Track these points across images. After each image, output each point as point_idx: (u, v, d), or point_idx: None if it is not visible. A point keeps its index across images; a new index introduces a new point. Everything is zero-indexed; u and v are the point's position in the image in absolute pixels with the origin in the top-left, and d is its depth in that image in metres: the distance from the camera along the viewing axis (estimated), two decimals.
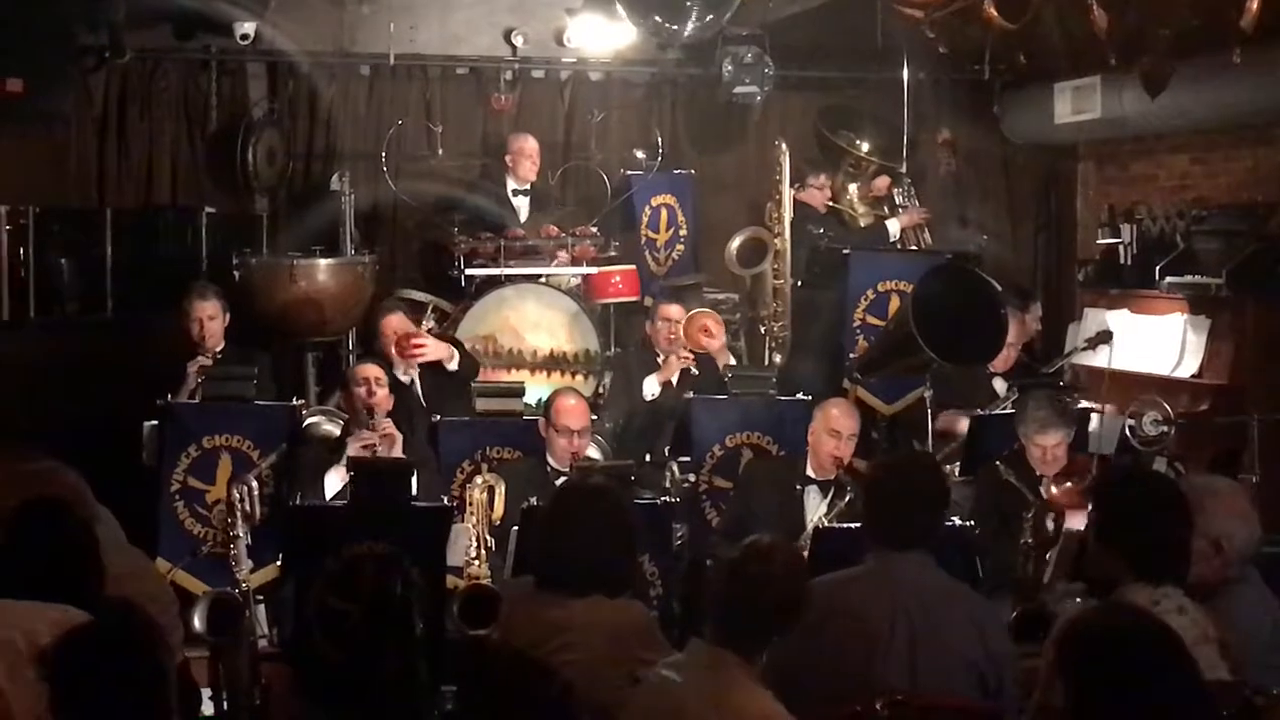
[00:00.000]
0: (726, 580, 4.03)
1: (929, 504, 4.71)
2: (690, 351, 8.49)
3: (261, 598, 6.48)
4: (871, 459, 7.10)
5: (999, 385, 8.50)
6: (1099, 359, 9.56)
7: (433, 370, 8.15)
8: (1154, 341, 9.33)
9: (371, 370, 7.29)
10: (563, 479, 6.74)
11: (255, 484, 6.88)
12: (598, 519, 4.64)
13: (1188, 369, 9.08)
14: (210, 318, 8.15)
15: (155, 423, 7.54)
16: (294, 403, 7.72)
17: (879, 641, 4.39)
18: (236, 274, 9.05)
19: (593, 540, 4.60)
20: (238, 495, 6.69)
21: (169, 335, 8.33)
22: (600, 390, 9.13)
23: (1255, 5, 5.47)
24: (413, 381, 8.09)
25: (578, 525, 4.63)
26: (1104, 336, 9.51)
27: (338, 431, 7.90)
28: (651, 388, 8.45)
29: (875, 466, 5.32)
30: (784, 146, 9.92)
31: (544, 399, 8.38)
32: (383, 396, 7.23)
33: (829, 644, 4.34)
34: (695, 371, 8.48)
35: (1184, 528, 4.34)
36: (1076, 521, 6.21)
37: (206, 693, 4.92)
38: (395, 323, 8.25)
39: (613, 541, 4.65)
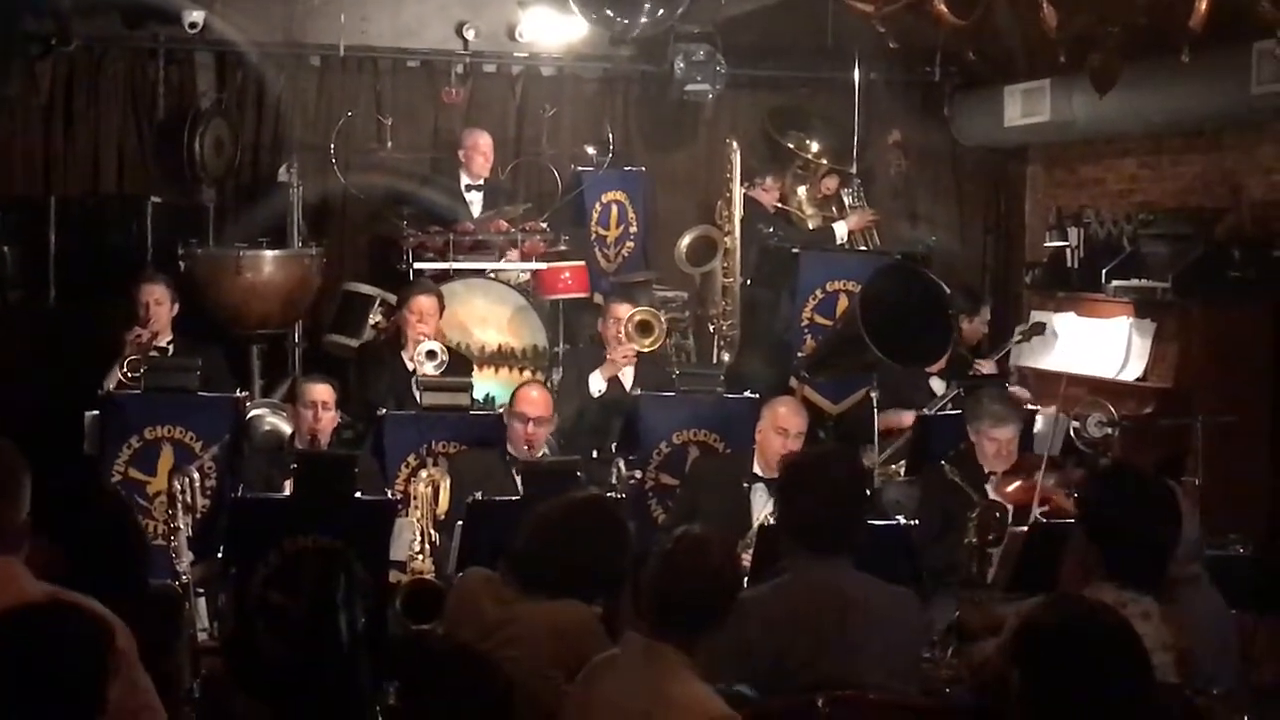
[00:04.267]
0: (659, 572, 3.99)
1: (851, 502, 4.57)
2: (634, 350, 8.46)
3: (202, 591, 6.42)
4: None
5: (937, 385, 8.53)
6: (1044, 360, 9.64)
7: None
8: (1099, 344, 9.37)
9: (320, 393, 7.22)
10: (522, 467, 6.83)
11: (197, 475, 6.82)
12: (606, 534, 4.61)
13: (1133, 372, 9.12)
14: (158, 302, 8.12)
15: (97, 413, 7.47)
16: (238, 394, 7.66)
17: (800, 656, 4.32)
18: (182, 265, 9.00)
19: (598, 555, 4.56)
20: (179, 487, 6.62)
21: (113, 324, 8.26)
22: (549, 386, 9.09)
23: (1204, 5, 5.48)
24: (414, 371, 8.06)
25: (586, 537, 4.57)
26: (1036, 329, 9.60)
27: (284, 426, 7.85)
28: (597, 384, 8.42)
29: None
30: (735, 145, 9.93)
31: (491, 394, 8.40)
32: (328, 421, 7.20)
33: (756, 659, 4.29)
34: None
35: (1170, 537, 4.32)
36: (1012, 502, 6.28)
37: None
38: (426, 305, 8.24)
39: (617, 561, 4.63)
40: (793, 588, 4.47)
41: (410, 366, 8.09)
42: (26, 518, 3.68)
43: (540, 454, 7.13)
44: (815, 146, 10.78)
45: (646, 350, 8.42)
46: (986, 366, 9.20)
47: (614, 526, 4.68)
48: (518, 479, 6.82)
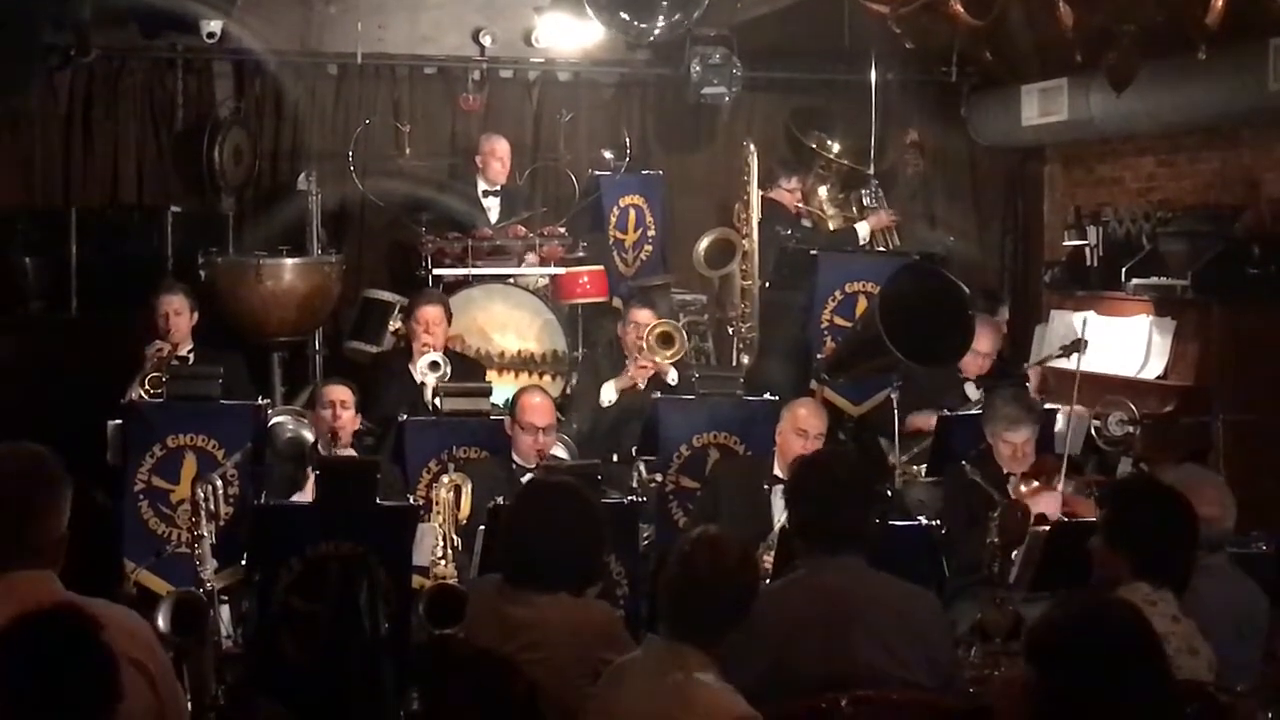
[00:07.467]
0: (677, 573, 4.00)
1: (854, 499, 4.60)
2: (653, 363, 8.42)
3: (226, 598, 6.43)
4: None
5: (971, 390, 8.50)
6: (1067, 361, 9.61)
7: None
8: (1120, 343, 9.35)
9: (338, 393, 7.24)
10: (528, 476, 6.73)
11: (220, 483, 6.83)
12: (564, 514, 4.62)
13: (1153, 370, 9.11)
14: (177, 312, 8.15)
15: (119, 422, 7.49)
16: (259, 402, 7.67)
17: (808, 654, 4.33)
18: (202, 273, 9.03)
19: (560, 536, 4.58)
20: (202, 495, 6.64)
21: (134, 334, 8.29)
22: (568, 391, 9.10)
23: (1220, 2, 5.47)
24: (423, 384, 8.07)
25: (544, 521, 4.61)
26: (1077, 345, 9.54)
27: (306, 433, 7.86)
28: (609, 394, 8.41)
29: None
30: (752, 147, 9.91)
31: (510, 400, 8.38)
32: (348, 419, 7.20)
33: (763, 657, 4.29)
34: (674, 380, 8.43)
35: (1193, 542, 4.40)
36: (1045, 513, 6.25)
37: None
38: (432, 315, 8.24)
39: (581, 537, 4.63)
40: (799, 586, 4.51)
41: (418, 379, 8.11)
42: (65, 531, 3.64)
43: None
44: (836, 147, 10.78)
45: (666, 363, 8.39)
46: (1034, 375, 9.10)
47: (576, 502, 4.70)
48: None
